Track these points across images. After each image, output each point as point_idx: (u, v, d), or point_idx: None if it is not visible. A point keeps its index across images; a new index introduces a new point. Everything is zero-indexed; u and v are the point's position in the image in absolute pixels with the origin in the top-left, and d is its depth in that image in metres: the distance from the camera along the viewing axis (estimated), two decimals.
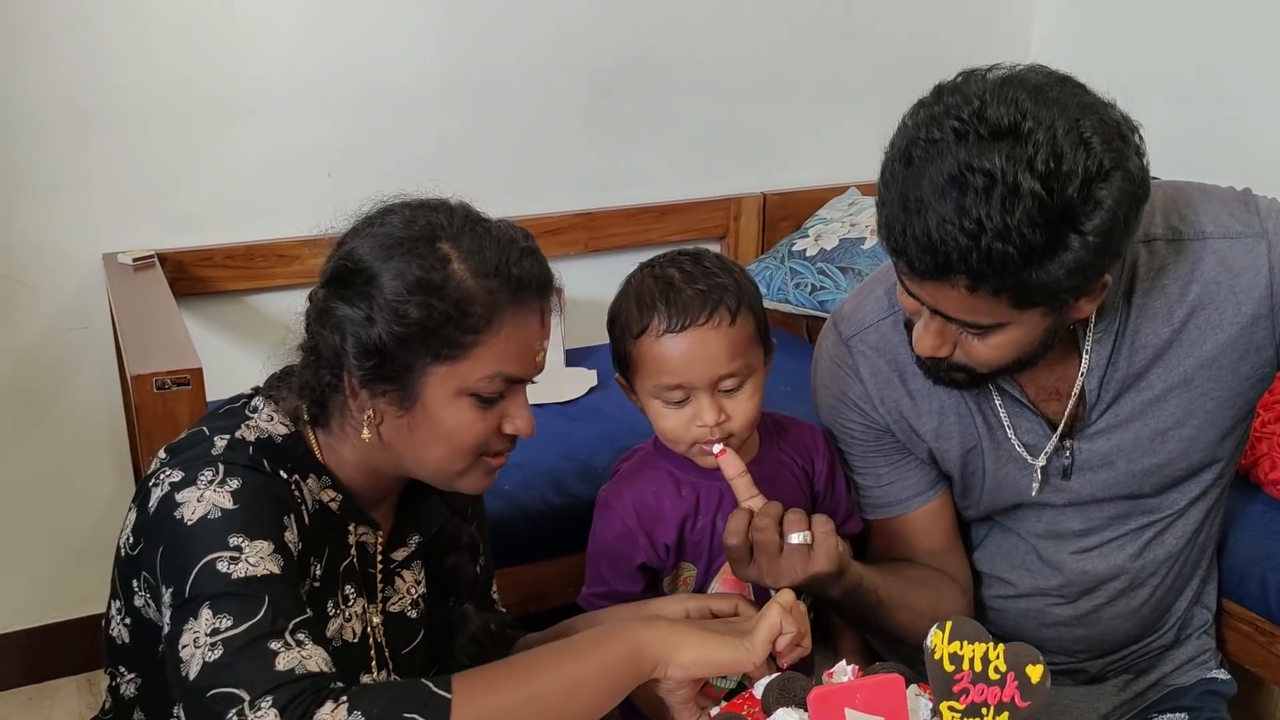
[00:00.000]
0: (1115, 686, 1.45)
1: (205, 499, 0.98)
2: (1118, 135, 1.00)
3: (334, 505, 1.11)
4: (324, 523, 1.09)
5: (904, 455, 1.34)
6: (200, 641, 0.91)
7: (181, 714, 0.94)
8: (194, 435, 1.07)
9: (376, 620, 1.16)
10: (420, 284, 1.03)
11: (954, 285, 1.04)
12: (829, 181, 2.58)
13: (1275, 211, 1.22)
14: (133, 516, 1.05)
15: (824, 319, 2.24)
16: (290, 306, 1.17)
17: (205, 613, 0.92)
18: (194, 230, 2.10)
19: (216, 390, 1.41)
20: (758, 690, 1.01)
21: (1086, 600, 1.37)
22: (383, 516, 1.17)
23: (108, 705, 1.15)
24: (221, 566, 0.95)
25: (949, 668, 0.94)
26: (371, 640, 1.15)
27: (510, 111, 2.33)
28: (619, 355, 1.27)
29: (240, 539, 0.96)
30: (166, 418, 1.41)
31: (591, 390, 2.13)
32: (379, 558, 1.17)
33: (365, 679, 1.13)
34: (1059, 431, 1.26)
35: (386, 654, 1.16)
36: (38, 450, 2.11)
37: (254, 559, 0.96)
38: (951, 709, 0.94)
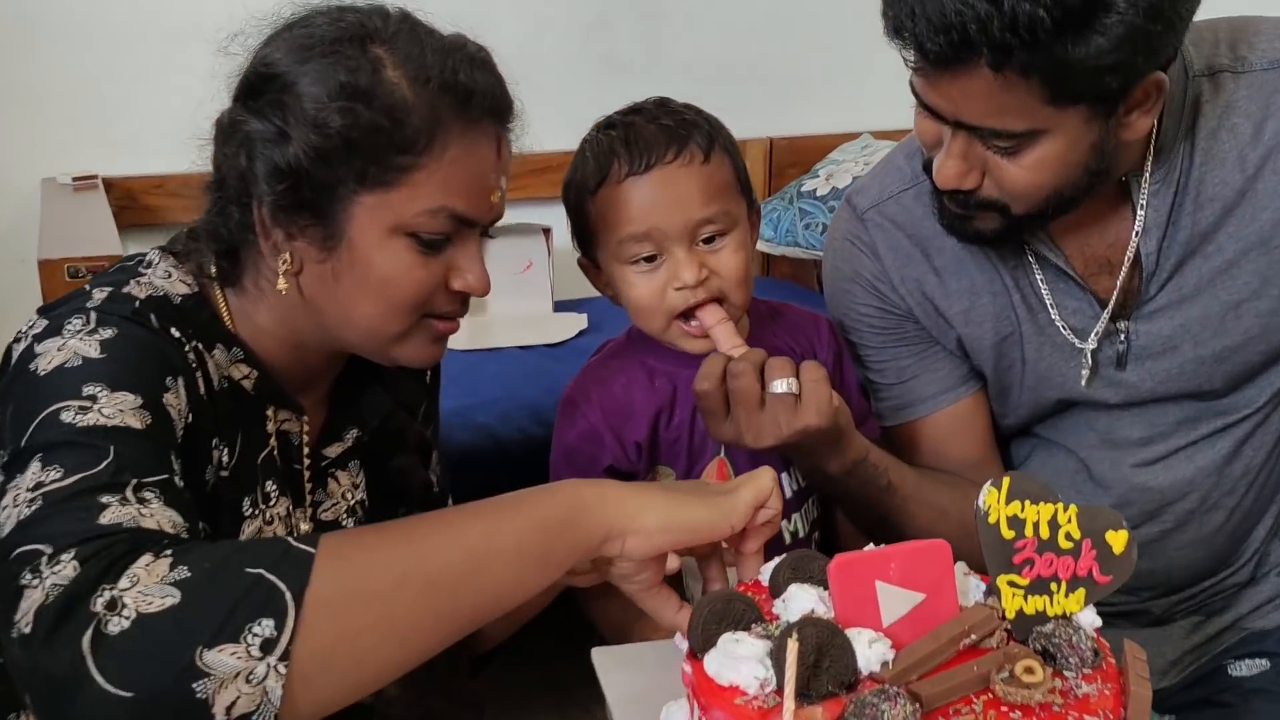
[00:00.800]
0: (1184, 629, 1.25)
1: (67, 347, 0.79)
2: None
3: (247, 384, 0.91)
4: (235, 402, 0.89)
5: (928, 345, 1.16)
6: (20, 499, 0.70)
7: None
8: (73, 293, 0.87)
9: (305, 528, 0.96)
10: (344, 88, 0.85)
11: (975, 72, 0.89)
12: (841, 129, 2.42)
13: None
14: None
15: None
16: None
17: (34, 465, 0.72)
18: (143, 155, 1.95)
19: None
20: (764, 575, 0.80)
21: (1150, 525, 1.17)
22: (313, 405, 0.98)
23: None
24: (66, 416, 0.75)
25: (1008, 533, 0.74)
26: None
27: (499, 38, 2.15)
28: (579, 229, 1.08)
29: (98, 388, 0.77)
30: None
31: (581, 334, 2.01)
32: (306, 452, 0.97)
33: None
34: (1110, 310, 1.09)
35: None
36: None
37: (109, 409, 0.76)
38: (1013, 584, 0.73)
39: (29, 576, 0.66)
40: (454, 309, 0.93)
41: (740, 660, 0.67)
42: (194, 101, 2.07)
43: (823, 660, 0.65)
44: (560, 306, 2.13)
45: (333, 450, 1.00)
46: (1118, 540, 0.75)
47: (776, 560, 0.79)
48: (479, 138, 0.89)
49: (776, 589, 0.76)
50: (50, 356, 0.79)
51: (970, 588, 0.76)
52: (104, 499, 0.70)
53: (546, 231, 2.11)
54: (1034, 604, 0.73)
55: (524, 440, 1.56)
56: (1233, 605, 1.25)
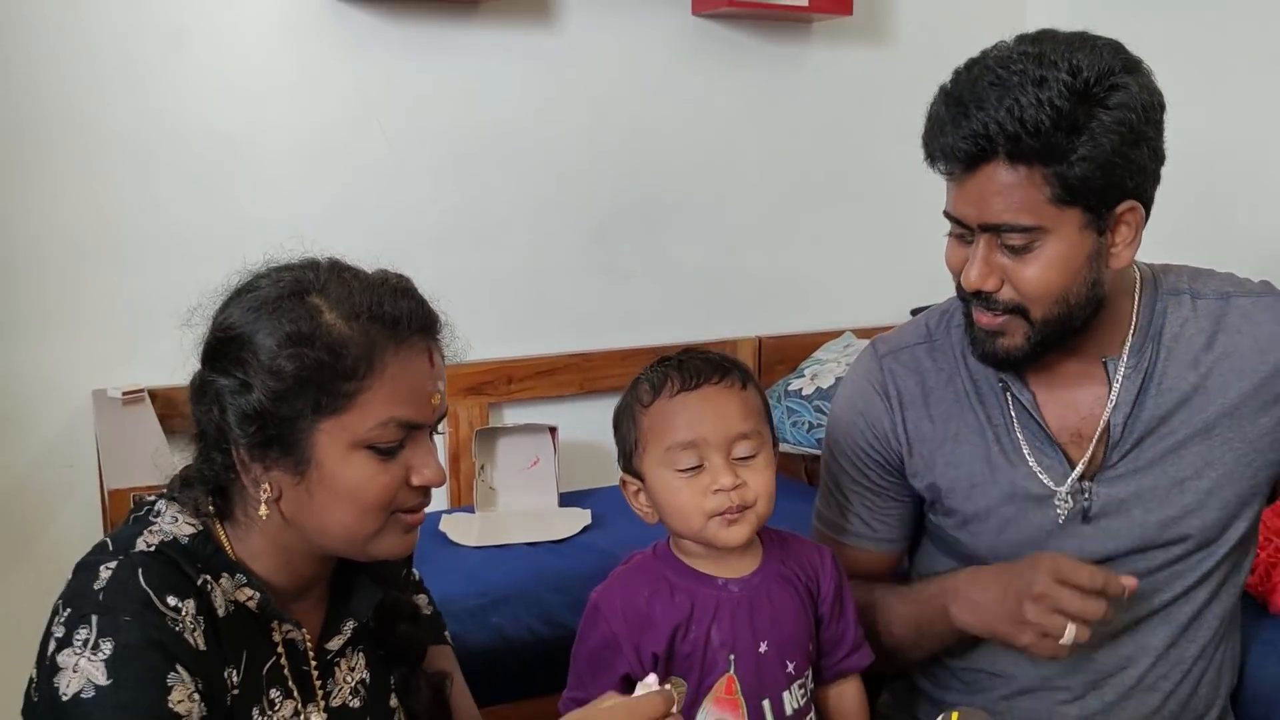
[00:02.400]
0: None
1: (80, 670, 0.92)
2: (1128, 57, 1.17)
3: (251, 604, 1.05)
4: (242, 624, 1.03)
5: (894, 500, 1.40)
6: None
7: None
8: (92, 554, 1.02)
9: (317, 718, 1.09)
10: (290, 338, 1.00)
11: (995, 168, 1.13)
12: (824, 326, 2.62)
13: None
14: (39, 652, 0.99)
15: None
16: None
17: None
18: (187, 368, 2.10)
19: None
20: None
21: (1093, 696, 1.30)
22: (311, 608, 1.11)
23: None
24: None
25: None
26: None
27: (507, 254, 2.41)
28: (627, 447, 1.23)
29: None
30: None
31: (586, 529, 2.11)
32: (312, 653, 1.11)
33: None
34: (1079, 471, 1.28)
35: None
36: (22, 587, 2.06)
37: None
38: None
39: None
40: (418, 502, 1.06)
41: None
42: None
43: None
44: (565, 500, 2.25)
45: (334, 644, 1.12)
46: None
47: None
48: (411, 354, 1.02)
49: None
50: (67, 678, 0.92)
51: None
52: None
53: (553, 430, 2.26)
54: None
55: (533, 641, 1.68)
56: None
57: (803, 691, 1.22)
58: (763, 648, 1.19)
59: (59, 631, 0.94)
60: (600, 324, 2.50)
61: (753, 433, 1.17)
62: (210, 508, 1.04)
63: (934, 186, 1.25)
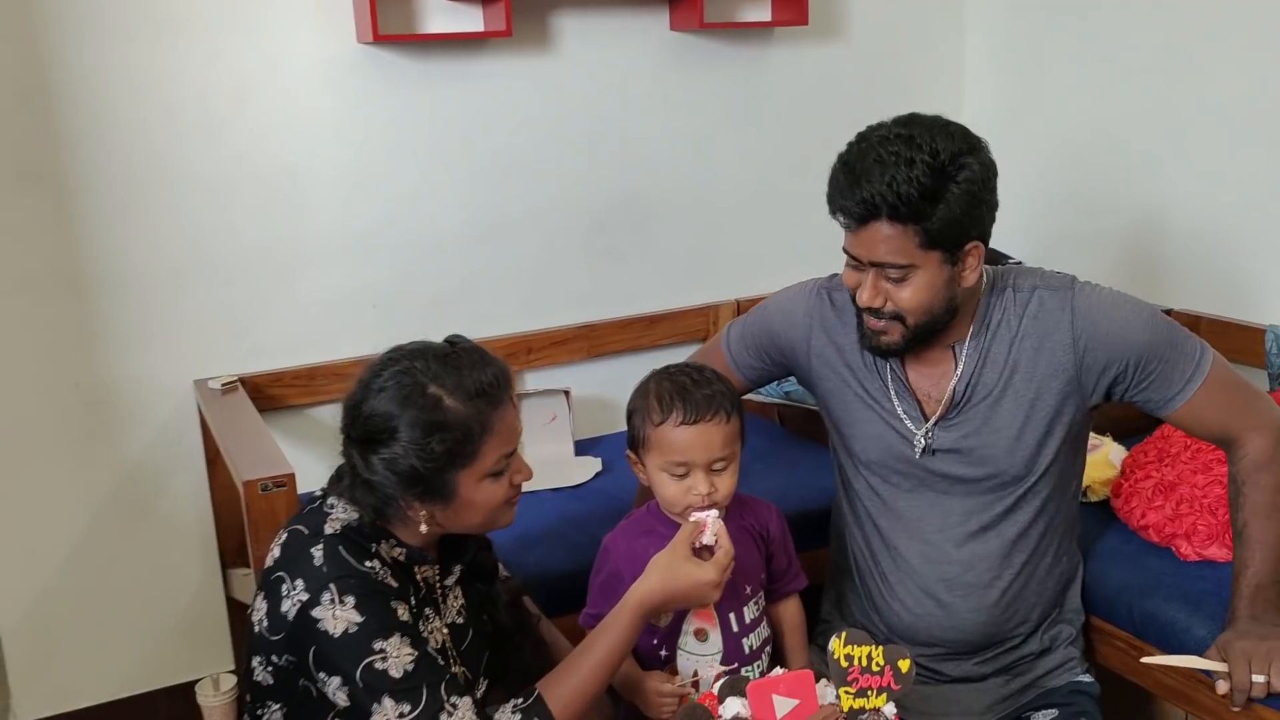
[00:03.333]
0: (996, 684, 1.78)
1: (339, 617, 1.39)
2: (972, 140, 1.57)
3: (401, 558, 1.51)
4: (400, 571, 1.51)
5: (766, 365, 1.90)
6: (393, 717, 1.37)
7: None
8: (294, 538, 1.47)
9: (445, 630, 1.58)
10: (430, 426, 1.42)
11: (878, 225, 1.53)
12: None
13: (1088, 283, 1.69)
14: (264, 607, 1.45)
15: (792, 406, 2.68)
16: None
17: (388, 701, 1.36)
18: (266, 357, 2.54)
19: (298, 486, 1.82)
20: (715, 687, 1.42)
21: (944, 592, 1.74)
22: (432, 558, 1.59)
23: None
24: (379, 666, 1.37)
25: (844, 665, 1.35)
26: (445, 644, 1.56)
27: (522, 248, 2.76)
28: (635, 438, 1.66)
29: (380, 642, 1.38)
30: (269, 513, 1.81)
31: (597, 475, 2.54)
32: (438, 585, 1.59)
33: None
34: (931, 421, 1.71)
35: (454, 652, 1.57)
36: (141, 550, 2.52)
37: (395, 654, 1.38)
38: (846, 692, 1.35)
39: None
40: (518, 491, 1.55)
41: None
42: (300, 316, 2.65)
43: None
44: (579, 449, 2.67)
45: (449, 580, 1.60)
46: (905, 665, 1.36)
47: (720, 680, 1.41)
48: (505, 409, 1.48)
49: (721, 698, 1.38)
50: (331, 624, 1.38)
51: (828, 694, 1.38)
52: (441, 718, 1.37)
53: (566, 392, 2.66)
54: (858, 703, 1.34)
55: (560, 573, 2.07)
56: (1031, 670, 1.79)
57: (757, 607, 1.70)
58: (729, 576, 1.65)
59: (303, 596, 1.39)
60: (603, 299, 2.86)
61: (729, 455, 1.61)
62: (371, 515, 1.48)
63: None
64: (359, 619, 1.39)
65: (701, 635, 1.65)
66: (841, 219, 1.59)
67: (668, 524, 1.66)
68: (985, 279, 1.70)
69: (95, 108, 2.30)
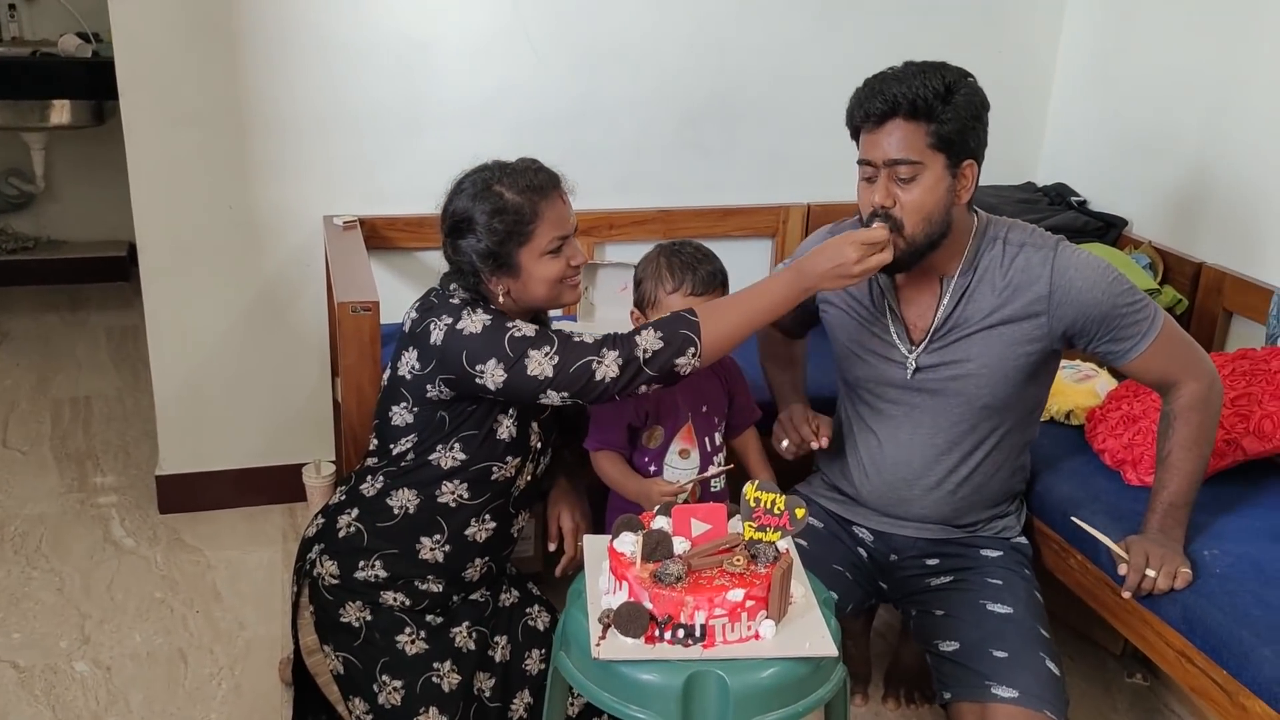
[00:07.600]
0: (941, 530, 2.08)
1: (476, 320, 1.82)
2: (969, 74, 1.81)
3: None
4: None
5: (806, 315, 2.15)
6: (547, 357, 1.78)
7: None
8: (434, 294, 1.93)
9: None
10: (494, 211, 1.84)
11: (896, 122, 1.77)
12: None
13: (1069, 246, 1.90)
14: (413, 354, 1.86)
15: None
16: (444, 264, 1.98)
17: (534, 352, 1.78)
18: (385, 203, 2.93)
19: (390, 315, 2.20)
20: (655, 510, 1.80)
21: (904, 488, 2.04)
22: None
23: (375, 459, 2.01)
24: (518, 334, 1.80)
25: (752, 505, 1.69)
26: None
27: (618, 131, 3.06)
28: (644, 299, 2.05)
29: (510, 324, 1.82)
30: (355, 331, 2.19)
31: None
32: None
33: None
34: (920, 345, 1.95)
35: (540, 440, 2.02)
36: (272, 349, 3.00)
37: (525, 327, 1.82)
38: (750, 525, 1.70)
39: (594, 366, 1.77)
40: (575, 273, 1.94)
41: (625, 543, 1.67)
42: (418, 170, 3.10)
43: (660, 545, 1.65)
44: None
45: None
46: (800, 512, 1.68)
47: (659, 506, 1.79)
48: (555, 199, 1.88)
49: (655, 516, 1.76)
50: (472, 327, 1.80)
51: (736, 526, 1.74)
52: (575, 340, 1.80)
53: (636, 267, 3.05)
54: (758, 535, 1.69)
55: None
56: (975, 543, 2.09)
57: (720, 435, 2.11)
58: (704, 409, 2.06)
59: (448, 320, 1.82)
60: (683, 188, 3.14)
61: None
62: (469, 294, 1.91)
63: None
64: (490, 319, 1.83)
65: (685, 454, 2.06)
66: (860, 121, 1.83)
67: None
68: (979, 222, 1.92)
69: None
